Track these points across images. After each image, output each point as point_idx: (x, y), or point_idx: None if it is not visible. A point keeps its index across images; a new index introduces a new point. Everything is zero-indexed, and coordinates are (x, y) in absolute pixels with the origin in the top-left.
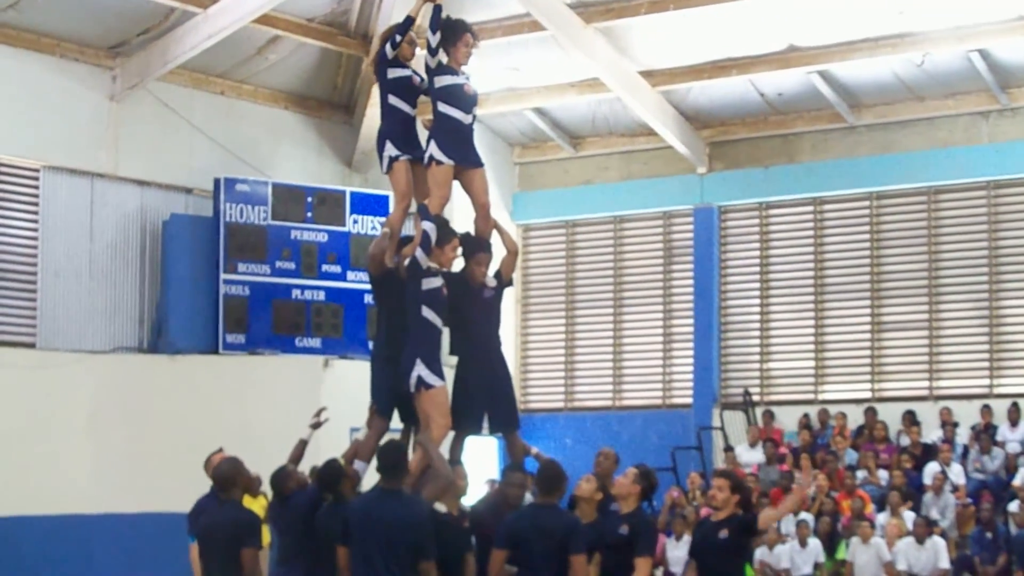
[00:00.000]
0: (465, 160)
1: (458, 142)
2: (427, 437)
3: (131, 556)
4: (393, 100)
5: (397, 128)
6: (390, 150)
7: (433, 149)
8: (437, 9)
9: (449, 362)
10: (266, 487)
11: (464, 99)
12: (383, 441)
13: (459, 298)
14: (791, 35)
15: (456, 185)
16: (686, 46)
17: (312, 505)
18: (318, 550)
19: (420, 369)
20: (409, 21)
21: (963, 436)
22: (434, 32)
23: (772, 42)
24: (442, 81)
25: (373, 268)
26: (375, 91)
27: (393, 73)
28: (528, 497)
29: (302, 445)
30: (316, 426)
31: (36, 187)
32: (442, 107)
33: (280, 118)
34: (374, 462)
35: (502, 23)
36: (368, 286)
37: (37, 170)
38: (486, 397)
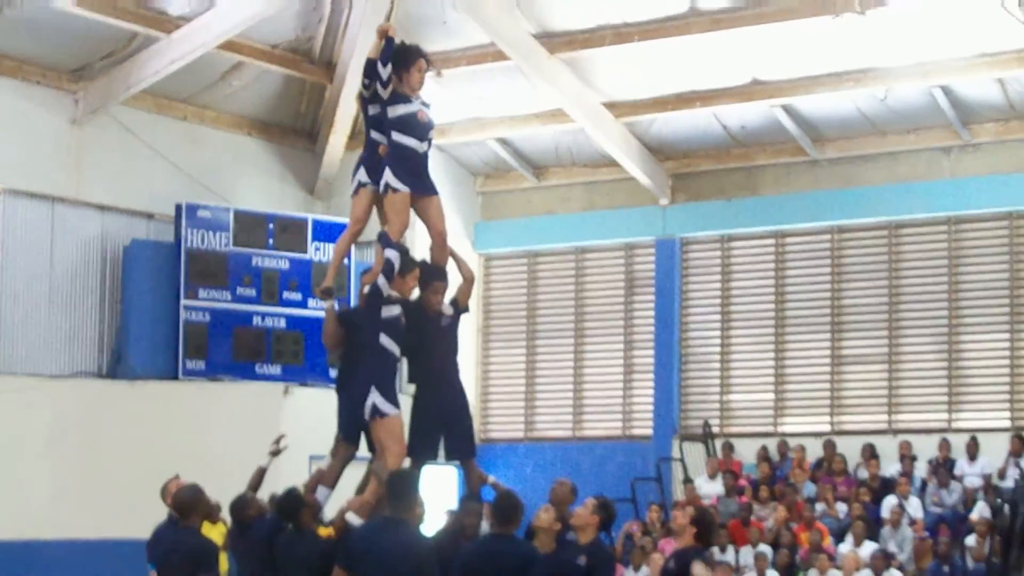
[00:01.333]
0: (420, 188)
1: (413, 170)
2: (381, 466)
3: None
4: (373, 135)
5: (373, 159)
6: (360, 175)
7: (388, 177)
8: (389, 41)
9: (407, 390)
10: (225, 514)
11: (418, 127)
12: (376, 467)
13: (416, 326)
14: (755, 69)
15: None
16: (650, 78)
17: (271, 533)
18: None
19: (375, 397)
20: (370, 64)
21: (921, 470)
22: (384, 64)
23: (736, 75)
24: (396, 111)
25: (330, 345)
26: (339, 118)
27: (372, 110)
28: (485, 527)
29: (260, 472)
30: (275, 453)
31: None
32: (396, 136)
33: (243, 144)
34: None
35: (466, 52)
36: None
37: None
38: (442, 424)
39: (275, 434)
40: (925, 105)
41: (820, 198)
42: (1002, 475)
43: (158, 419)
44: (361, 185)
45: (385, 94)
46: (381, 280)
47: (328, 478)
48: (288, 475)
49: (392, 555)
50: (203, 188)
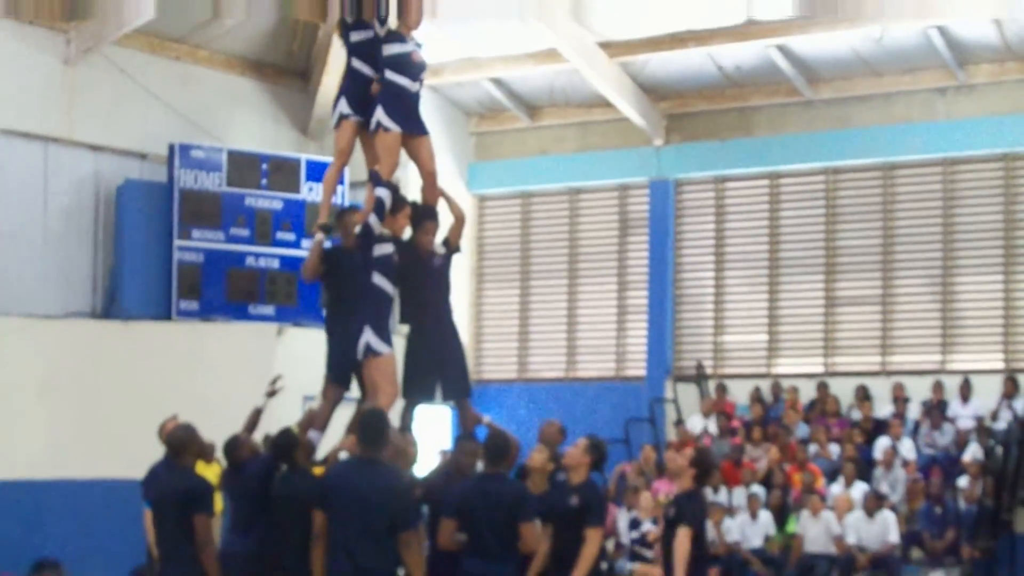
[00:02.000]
0: (412, 128)
1: (405, 109)
2: (374, 405)
3: (83, 522)
4: (355, 63)
5: (355, 89)
6: (342, 107)
7: (380, 115)
8: None
9: (400, 331)
10: (220, 454)
11: (412, 67)
12: (366, 409)
13: (408, 267)
14: (750, 8)
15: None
16: (644, 18)
17: (266, 473)
18: (271, 518)
19: (368, 336)
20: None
21: (914, 412)
22: (384, 7)
23: (731, 15)
24: (391, 49)
25: (307, 277)
26: (332, 58)
27: (356, 36)
28: (480, 466)
29: (257, 413)
30: (271, 394)
31: None
32: (390, 74)
33: (236, 84)
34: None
35: None
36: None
37: None
38: (437, 365)
39: (269, 375)
40: (921, 46)
41: (815, 139)
42: (995, 417)
43: (152, 360)
44: (343, 117)
45: (382, 31)
46: (372, 219)
47: (319, 421)
48: (281, 416)
49: (363, 494)
50: (196, 128)
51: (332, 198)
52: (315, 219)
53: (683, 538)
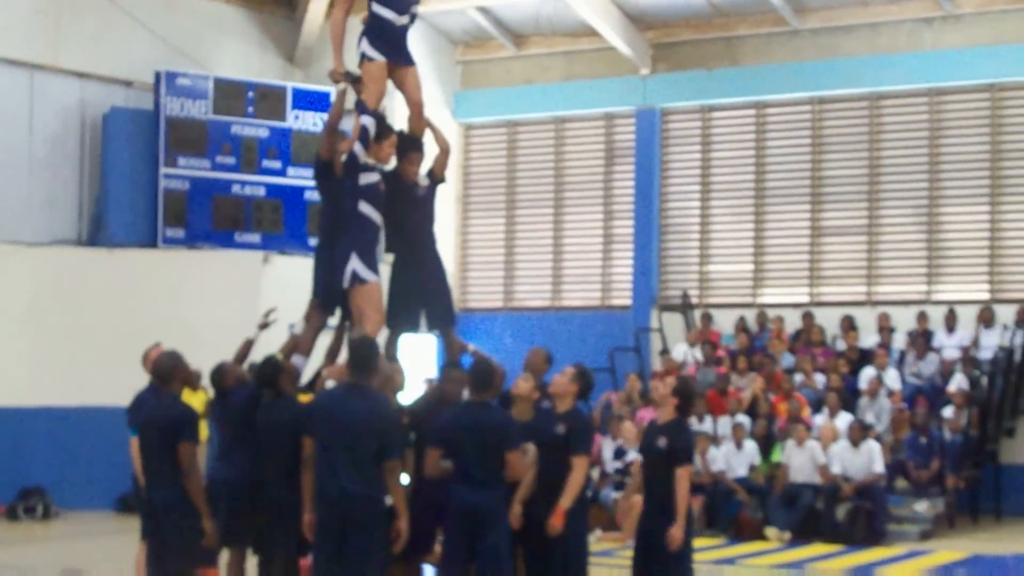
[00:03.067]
0: (397, 58)
1: (390, 41)
2: (360, 333)
3: (68, 450)
4: (375, 6)
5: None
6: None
7: (365, 46)
8: None
9: (386, 260)
10: (206, 382)
11: (399, 1)
12: (356, 336)
13: (392, 196)
14: None
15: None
16: None
17: (251, 401)
18: (257, 445)
19: (355, 263)
20: None
21: (900, 342)
22: None
23: None
24: None
25: (329, 127)
26: None
27: None
28: (465, 394)
29: (248, 344)
30: (264, 326)
31: None
32: (375, 7)
33: (222, 12)
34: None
35: None
36: (309, 182)
37: None
38: (421, 294)
39: (254, 302)
40: None
41: (801, 69)
42: (976, 345)
43: (137, 287)
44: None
45: None
46: (358, 147)
47: (303, 346)
48: (266, 343)
49: (352, 421)
50: (182, 56)
51: (341, 45)
52: (302, 148)
53: (685, 478)
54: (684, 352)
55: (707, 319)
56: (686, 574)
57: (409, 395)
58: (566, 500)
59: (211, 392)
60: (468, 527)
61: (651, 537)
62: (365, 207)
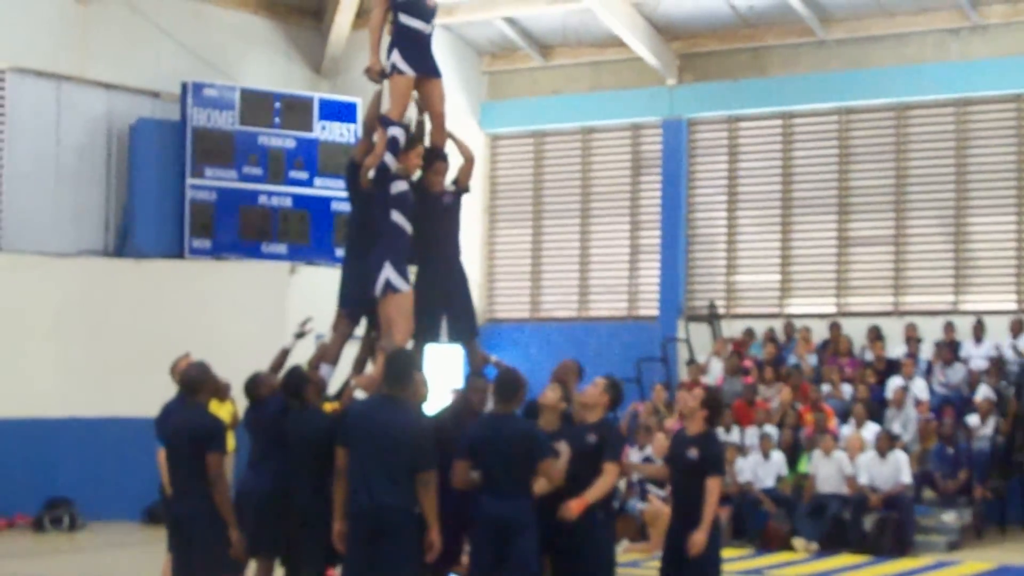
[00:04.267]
0: (426, 70)
1: (419, 52)
2: (390, 343)
3: (96, 460)
4: (403, 17)
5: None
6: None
7: (395, 58)
8: None
9: (410, 270)
10: (235, 393)
11: (425, 10)
12: (391, 346)
13: (418, 206)
14: None
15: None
16: None
17: (282, 411)
18: (285, 454)
19: (388, 272)
20: None
21: (927, 351)
22: None
23: None
24: None
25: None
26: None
27: None
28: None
29: (284, 354)
30: (301, 335)
31: (1, 88)
32: (404, 18)
33: (249, 23)
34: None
35: None
36: (335, 193)
37: (3, 71)
38: (443, 305)
39: (281, 313)
40: None
41: (827, 79)
42: (1003, 358)
43: (164, 298)
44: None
45: None
46: (388, 157)
47: (330, 354)
48: (293, 353)
49: (387, 432)
50: (209, 67)
51: (379, 43)
52: (328, 158)
53: (715, 489)
54: (712, 363)
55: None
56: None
57: (433, 406)
58: (592, 493)
59: (239, 403)
60: (496, 537)
61: (680, 548)
62: (397, 216)
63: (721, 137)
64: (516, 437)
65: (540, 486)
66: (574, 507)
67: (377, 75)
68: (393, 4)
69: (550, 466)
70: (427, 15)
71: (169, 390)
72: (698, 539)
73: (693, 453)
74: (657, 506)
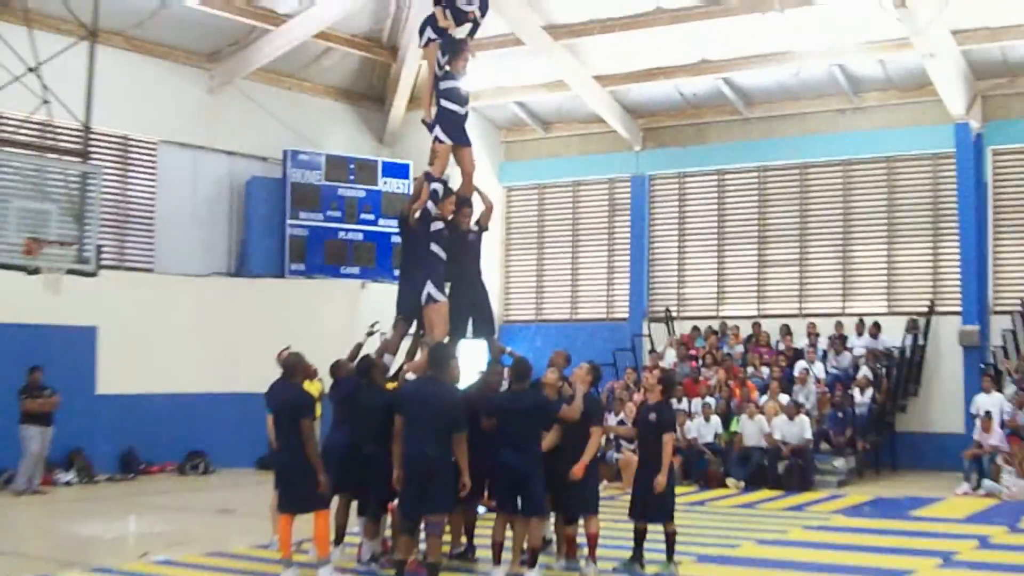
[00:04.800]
0: (460, 140)
1: (455, 127)
2: (430, 339)
3: (223, 423)
4: (444, 102)
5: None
6: (428, 32)
7: (438, 132)
8: (447, 41)
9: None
10: (322, 374)
11: (460, 97)
12: (433, 342)
13: (451, 241)
14: (704, 51)
15: None
16: (627, 58)
17: (354, 388)
18: (357, 419)
19: (429, 288)
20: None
21: (823, 343)
22: (443, 55)
23: (689, 56)
24: (445, 84)
25: (410, 212)
26: (400, 88)
27: (445, 84)
28: (505, 384)
29: (358, 347)
30: (370, 334)
31: (155, 155)
32: (444, 102)
33: (331, 106)
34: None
35: (493, 39)
36: (393, 230)
37: (155, 143)
38: (470, 311)
39: (355, 318)
40: (827, 78)
41: (750, 146)
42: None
43: (270, 306)
44: (430, 40)
45: (440, 72)
46: (430, 204)
47: (391, 347)
48: (367, 348)
49: (431, 403)
50: (302, 138)
51: (430, 99)
52: (389, 205)
53: (669, 442)
54: (669, 352)
55: (696, 330)
56: (670, 510)
57: (464, 384)
58: (587, 456)
59: (327, 381)
60: (513, 480)
61: (646, 486)
62: (435, 247)
63: (673, 188)
64: (527, 404)
65: (546, 442)
66: (578, 471)
67: (427, 124)
68: (437, 91)
69: (565, 412)
70: (462, 101)
71: (274, 373)
72: (660, 480)
73: (653, 417)
74: (628, 456)
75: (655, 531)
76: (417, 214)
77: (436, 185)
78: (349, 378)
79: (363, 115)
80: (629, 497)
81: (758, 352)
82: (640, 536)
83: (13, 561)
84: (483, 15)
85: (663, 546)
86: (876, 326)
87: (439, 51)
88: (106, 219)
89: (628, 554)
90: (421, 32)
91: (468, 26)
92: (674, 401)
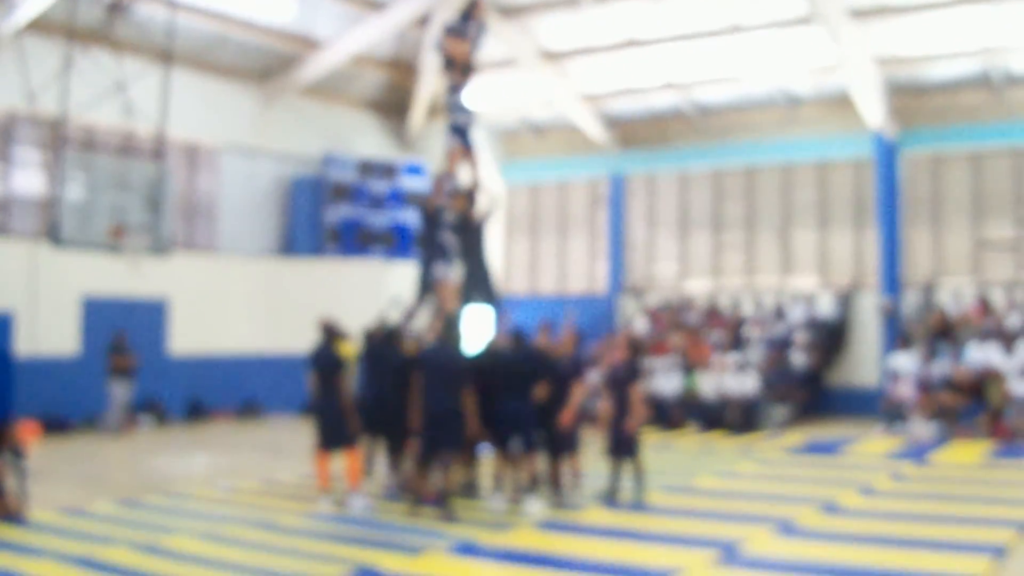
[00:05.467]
0: (468, 146)
1: (465, 135)
2: (443, 310)
3: (273, 378)
4: (456, 114)
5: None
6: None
7: (449, 140)
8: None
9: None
10: (355, 338)
11: (469, 115)
12: (448, 313)
13: (462, 228)
14: (668, 76)
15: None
16: (607, 78)
17: (382, 349)
18: (383, 375)
19: (443, 268)
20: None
21: (766, 312)
22: (452, 74)
23: (658, 79)
24: (455, 100)
25: (428, 204)
26: (419, 102)
27: (454, 100)
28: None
29: (382, 315)
30: (392, 305)
31: (217, 158)
32: (456, 114)
33: (361, 117)
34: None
35: (496, 63)
36: (411, 219)
37: (218, 148)
38: (477, 284)
39: (381, 293)
40: (770, 95)
41: (707, 151)
42: (812, 314)
43: (312, 281)
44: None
45: (452, 95)
46: (446, 199)
47: (412, 316)
48: (388, 315)
49: (443, 363)
50: (338, 143)
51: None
52: (412, 199)
53: (640, 391)
54: (640, 320)
55: (663, 302)
56: (638, 449)
57: (472, 347)
58: (571, 407)
59: (359, 343)
60: (510, 423)
61: (618, 429)
62: (449, 235)
63: (644, 186)
64: (529, 358)
65: (540, 394)
66: (566, 418)
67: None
68: (450, 107)
69: (541, 387)
70: (469, 117)
71: (314, 336)
72: (632, 424)
73: (622, 372)
74: (603, 406)
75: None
76: (436, 207)
77: (454, 183)
78: (377, 341)
79: (388, 124)
80: (605, 440)
81: (713, 320)
82: (616, 470)
83: (106, 488)
84: (480, 36)
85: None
86: (811, 298)
87: (447, 72)
88: (177, 210)
89: (606, 485)
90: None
91: (469, 44)
92: (645, 360)
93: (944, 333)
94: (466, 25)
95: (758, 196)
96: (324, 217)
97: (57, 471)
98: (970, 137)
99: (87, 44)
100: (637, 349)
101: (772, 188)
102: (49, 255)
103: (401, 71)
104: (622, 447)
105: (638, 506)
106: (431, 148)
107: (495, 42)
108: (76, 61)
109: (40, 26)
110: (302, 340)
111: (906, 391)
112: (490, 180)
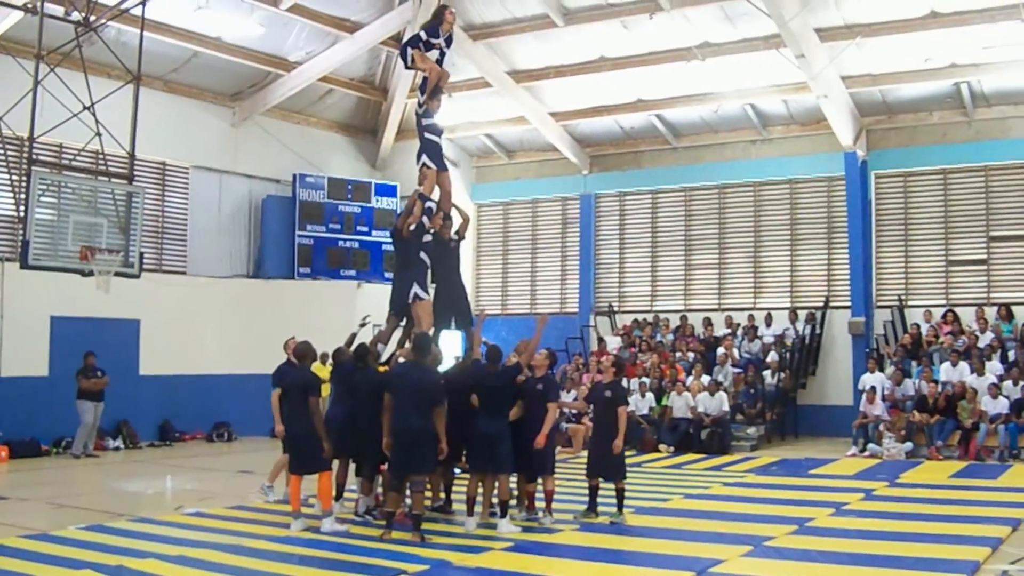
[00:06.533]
0: (441, 166)
1: (436, 155)
2: (418, 330)
3: (242, 399)
4: (427, 135)
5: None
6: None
7: (425, 159)
8: (425, 81)
9: (430, 287)
10: (327, 359)
11: (438, 130)
12: (418, 333)
13: (436, 248)
14: (639, 92)
15: None
16: (577, 98)
17: (353, 370)
18: (355, 396)
19: (416, 288)
20: (421, 91)
21: (738, 332)
22: (422, 95)
23: (628, 96)
24: (427, 120)
25: (401, 225)
26: (390, 122)
27: (426, 121)
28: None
29: (353, 336)
30: (362, 325)
31: (187, 178)
32: (427, 135)
33: (332, 138)
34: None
35: (466, 82)
36: (384, 240)
37: (188, 168)
38: (451, 307)
39: (353, 313)
40: (741, 115)
41: (677, 171)
42: (783, 333)
43: (282, 302)
44: (424, 165)
45: (421, 111)
46: (424, 220)
47: (384, 337)
48: (360, 336)
49: (414, 383)
50: (309, 164)
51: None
52: (381, 220)
53: (624, 413)
54: (613, 340)
55: (635, 322)
56: (623, 470)
57: (444, 367)
58: (546, 427)
59: (330, 364)
60: (486, 444)
61: (601, 450)
62: (423, 255)
63: (614, 205)
64: (499, 381)
65: (513, 413)
66: (541, 440)
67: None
68: (420, 127)
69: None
70: (439, 132)
71: (280, 357)
72: (618, 443)
73: (608, 393)
74: (576, 426)
75: (606, 487)
76: (412, 227)
77: (429, 204)
78: (348, 362)
79: (359, 145)
80: (578, 460)
81: (685, 340)
82: (594, 491)
83: (72, 512)
84: (448, 46)
85: (614, 499)
86: (792, 315)
87: (419, 92)
88: (147, 230)
89: (583, 507)
90: (403, 56)
91: (436, 53)
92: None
93: (915, 352)
94: (436, 37)
95: (729, 216)
96: (295, 238)
97: (24, 494)
98: (940, 156)
99: (56, 63)
100: (622, 370)
101: (743, 208)
102: (17, 275)
103: (372, 92)
104: (607, 468)
105: (613, 527)
106: (402, 169)
107: (465, 62)
108: (45, 80)
109: (8, 45)
110: (273, 362)
111: (878, 410)
112: (461, 200)
